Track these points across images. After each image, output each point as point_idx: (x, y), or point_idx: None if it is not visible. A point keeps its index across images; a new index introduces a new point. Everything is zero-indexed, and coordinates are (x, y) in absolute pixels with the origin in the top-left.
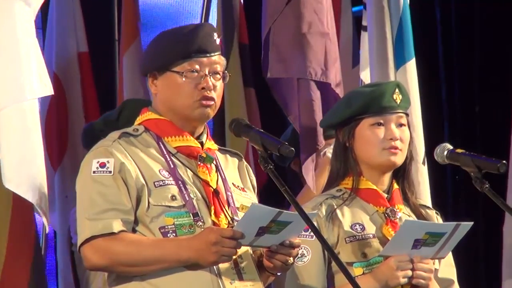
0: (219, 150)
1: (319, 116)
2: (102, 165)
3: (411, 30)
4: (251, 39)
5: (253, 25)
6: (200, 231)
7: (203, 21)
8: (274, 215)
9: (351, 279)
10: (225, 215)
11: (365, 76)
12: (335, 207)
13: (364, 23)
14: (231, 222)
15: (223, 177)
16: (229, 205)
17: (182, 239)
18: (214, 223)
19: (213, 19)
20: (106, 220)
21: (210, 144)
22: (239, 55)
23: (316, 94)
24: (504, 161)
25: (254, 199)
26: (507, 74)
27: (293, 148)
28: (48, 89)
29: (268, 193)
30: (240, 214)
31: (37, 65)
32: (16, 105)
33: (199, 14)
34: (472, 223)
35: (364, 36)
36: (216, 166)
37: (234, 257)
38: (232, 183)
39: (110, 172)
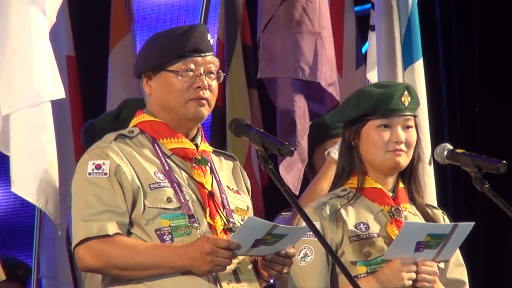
0: (214, 152)
1: (299, 116)
2: (98, 167)
3: (419, 30)
4: (254, 40)
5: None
6: (196, 238)
7: (201, 22)
8: (269, 228)
9: (352, 280)
10: (220, 217)
11: (373, 76)
12: (339, 206)
13: (371, 22)
14: (226, 223)
15: (218, 179)
16: (224, 207)
17: (178, 247)
18: (209, 225)
19: (213, 21)
20: (101, 222)
21: (205, 146)
22: (242, 57)
23: (298, 95)
24: (504, 161)
25: (249, 202)
26: (507, 74)
27: (293, 148)
28: (60, 92)
29: (272, 193)
30: (235, 216)
31: (50, 68)
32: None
33: (198, 15)
34: (474, 223)
35: (372, 36)
36: (211, 168)
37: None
38: (227, 186)
39: (105, 174)
